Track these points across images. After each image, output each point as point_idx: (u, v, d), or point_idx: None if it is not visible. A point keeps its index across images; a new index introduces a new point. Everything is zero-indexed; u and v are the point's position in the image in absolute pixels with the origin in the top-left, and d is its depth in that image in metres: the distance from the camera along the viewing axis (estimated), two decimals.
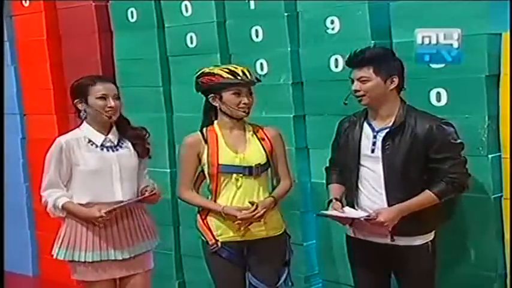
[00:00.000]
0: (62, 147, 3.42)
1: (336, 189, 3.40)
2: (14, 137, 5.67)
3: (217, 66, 3.54)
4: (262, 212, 3.39)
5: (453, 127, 3.17)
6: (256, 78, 3.51)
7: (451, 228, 3.47)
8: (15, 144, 5.69)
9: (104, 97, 3.41)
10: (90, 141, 3.45)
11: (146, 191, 3.52)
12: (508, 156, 3.40)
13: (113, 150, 3.48)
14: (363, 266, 3.41)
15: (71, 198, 3.43)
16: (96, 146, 3.46)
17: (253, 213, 3.38)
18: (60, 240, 3.47)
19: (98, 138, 3.47)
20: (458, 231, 3.55)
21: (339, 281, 4.07)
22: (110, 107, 3.42)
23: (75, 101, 3.46)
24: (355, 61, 3.22)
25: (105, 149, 3.46)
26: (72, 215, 3.43)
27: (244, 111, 3.45)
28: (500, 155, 3.46)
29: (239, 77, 3.40)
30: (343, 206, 3.29)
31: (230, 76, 3.41)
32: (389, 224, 3.12)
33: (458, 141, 3.16)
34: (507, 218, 3.42)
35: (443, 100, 3.54)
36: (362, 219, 3.18)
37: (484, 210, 3.49)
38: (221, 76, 3.43)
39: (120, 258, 3.46)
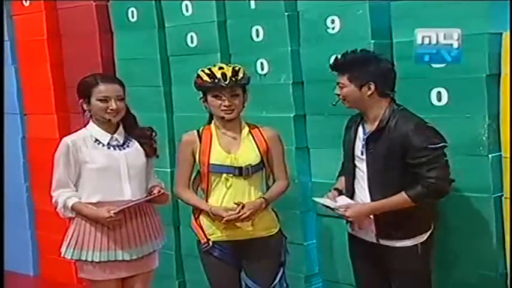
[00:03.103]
0: (69, 147, 3.39)
1: (340, 181, 3.44)
2: (14, 136, 5.67)
3: (215, 65, 3.52)
4: (248, 213, 3.39)
5: (434, 130, 3.13)
6: (244, 78, 3.45)
7: (451, 228, 3.48)
8: (15, 143, 5.69)
9: (105, 99, 3.38)
10: (96, 140, 3.44)
11: (152, 191, 3.52)
12: (509, 155, 3.39)
13: (120, 149, 3.47)
14: (362, 263, 3.43)
15: (81, 198, 3.41)
16: (103, 145, 3.44)
17: (239, 214, 3.38)
18: (68, 240, 3.46)
19: (105, 137, 3.45)
20: (458, 230, 3.56)
21: (339, 280, 4.07)
22: (112, 110, 3.39)
23: (80, 101, 3.44)
24: (333, 67, 3.27)
25: (111, 148, 3.46)
26: (82, 215, 3.41)
27: (226, 113, 3.44)
28: (500, 155, 3.46)
29: (216, 80, 3.40)
30: (340, 195, 3.33)
31: (208, 79, 3.42)
32: (354, 220, 3.23)
33: (439, 145, 3.10)
34: (507, 217, 3.42)
35: (444, 100, 3.53)
36: (336, 210, 3.27)
37: (484, 209, 3.49)
38: (202, 79, 3.45)
39: (128, 259, 3.45)
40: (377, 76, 3.18)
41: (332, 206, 3.30)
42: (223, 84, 3.39)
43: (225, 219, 3.39)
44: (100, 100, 3.39)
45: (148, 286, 3.64)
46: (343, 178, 3.45)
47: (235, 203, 3.41)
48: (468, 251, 3.56)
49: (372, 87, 3.17)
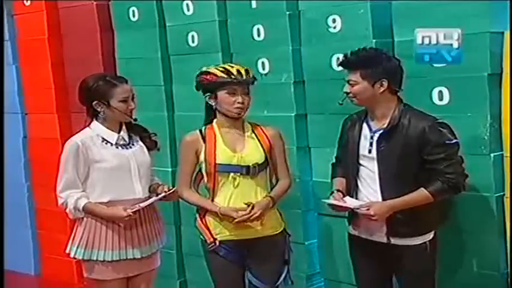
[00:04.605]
0: (79, 146, 3.38)
1: (338, 182, 3.43)
2: (15, 136, 5.67)
3: (219, 64, 3.53)
4: (258, 212, 3.39)
5: (448, 127, 3.16)
6: (254, 77, 3.49)
7: (453, 227, 3.48)
8: (16, 143, 5.69)
9: (126, 100, 3.42)
10: (104, 139, 3.44)
11: (156, 189, 3.52)
12: (510, 154, 3.39)
13: (127, 148, 3.48)
14: (364, 264, 3.42)
15: (89, 198, 3.41)
16: (112, 145, 3.44)
17: (250, 214, 3.38)
18: (78, 240, 3.45)
19: (112, 136, 3.45)
20: (460, 230, 3.56)
21: (340, 279, 4.07)
22: (131, 109, 3.44)
23: (94, 102, 3.41)
24: (344, 64, 3.25)
25: (120, 147, 3.46)
26: (95, 215, 3.40)
27: (238, 111, 3.43)
28: (502, 154, 3.46)
29: (233, 76, 3.40)
30: (344, 196, 3.31)
31: (224, 75, 3.41)
32: (378, 217, 3.15)
33: (454, 141, 3.14)
34: (509, 216, 3.42)
35: (446, 99, 3.53)
36: (357, 209, 3.22)
37: (486, 209, 3.49)
38: (215, 75, 3.43)
39: (139, 257, 3.46)
40: (389, 73, 3.19)
41: (351, 207, 3.26)
42: (241, 80, 3.39)
43: (236, 220, 3.39)
44: (121, 101, 3.41)
45: (152, 284, 3.65)
46: (340, 179, 3.43)
47: (246, 204, 3.41)
48: (469, 250, 3.56)
49: (385, 84, 3.17)
